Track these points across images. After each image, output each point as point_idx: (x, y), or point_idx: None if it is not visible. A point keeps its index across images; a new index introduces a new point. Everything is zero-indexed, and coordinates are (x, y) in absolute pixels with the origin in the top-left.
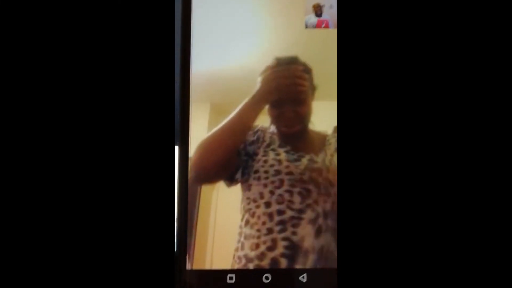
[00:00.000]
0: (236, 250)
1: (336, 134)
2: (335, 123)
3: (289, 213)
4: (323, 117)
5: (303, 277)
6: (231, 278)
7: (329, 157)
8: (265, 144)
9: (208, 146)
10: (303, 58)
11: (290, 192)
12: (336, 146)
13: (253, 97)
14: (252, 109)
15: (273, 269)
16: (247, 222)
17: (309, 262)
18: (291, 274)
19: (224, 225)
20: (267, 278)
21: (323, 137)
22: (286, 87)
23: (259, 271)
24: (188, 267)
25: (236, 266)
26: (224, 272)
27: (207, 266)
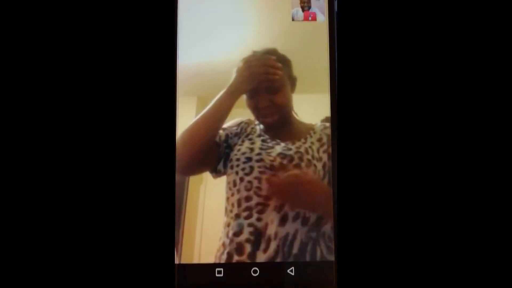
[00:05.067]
0: (219, 239)
1: (322, 126)
2: (321, 114)
3: (256, 200)
4: (308, 108)
5: (291, 270)
6: (219, 272)
7: (307, 146)
8: (245, 134)
9: (186, 137)
10: (285, 50)
11: (258, 179)
12: (319, 137)
13: (228, 87)
14: (227, 99)
15: (262, 262)
16: (225, 211)
17: (271, 250)
18: (279, 267)
19: (212, 218)
20: (255, 271)
21: (307, 128)
22: (259, 76)
23: (247, 265)
24: (176, 261)
25: (218, 256)
26: (212, 266)
27: (195, 260)
